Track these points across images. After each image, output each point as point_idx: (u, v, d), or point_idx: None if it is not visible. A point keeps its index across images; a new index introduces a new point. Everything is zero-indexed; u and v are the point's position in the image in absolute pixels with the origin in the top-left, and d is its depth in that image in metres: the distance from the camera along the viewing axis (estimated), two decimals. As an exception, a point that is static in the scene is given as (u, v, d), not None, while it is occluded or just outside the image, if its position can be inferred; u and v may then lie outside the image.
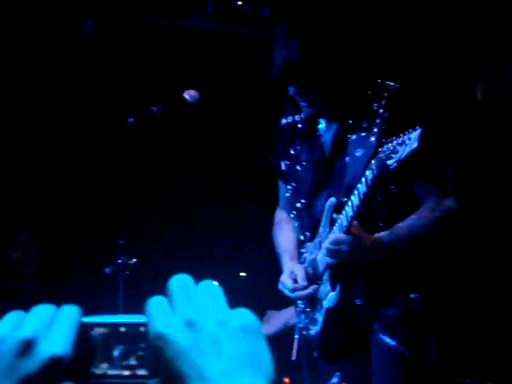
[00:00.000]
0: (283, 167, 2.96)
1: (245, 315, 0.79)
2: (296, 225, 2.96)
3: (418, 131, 2.37)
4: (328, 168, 2.78)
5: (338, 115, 2.76)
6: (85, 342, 0.81)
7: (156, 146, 3.19)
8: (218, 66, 5.03)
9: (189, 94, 3.08)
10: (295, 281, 2.80)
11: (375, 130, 2.57)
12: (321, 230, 2.78)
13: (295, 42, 2.63)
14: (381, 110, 2.58)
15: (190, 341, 0.76)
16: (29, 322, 0.79)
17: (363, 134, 2.63)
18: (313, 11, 2.67)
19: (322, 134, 2.83)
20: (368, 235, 2.61)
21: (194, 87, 3.14)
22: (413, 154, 2.37)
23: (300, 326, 2.92)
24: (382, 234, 2.62)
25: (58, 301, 0.87)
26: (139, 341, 0.81)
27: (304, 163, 2.86)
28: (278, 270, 2.97)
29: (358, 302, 2.72)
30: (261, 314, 4.86)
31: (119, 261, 3.26)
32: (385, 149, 2.44)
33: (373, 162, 2.47)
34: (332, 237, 2.63)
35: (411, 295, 2.69)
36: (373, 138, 2.57)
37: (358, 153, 2.62)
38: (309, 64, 2.63)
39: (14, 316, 0.80)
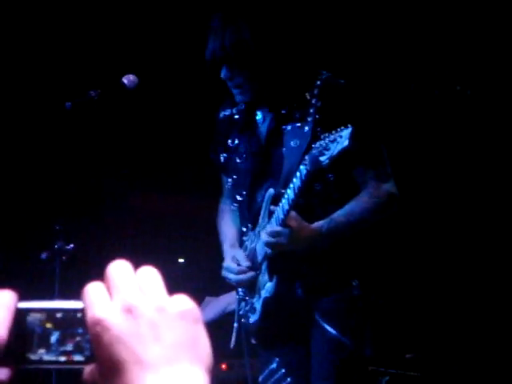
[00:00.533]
0: (222, 160, 2.97)
1: (183, 302, 0.80)
2: (238, 216, 2.98)
3: (349, 130, 2.41)
4: (266, 159, 2.80)
5: (272, 105, 2.78)
6: (21, 328, 0.80)
7: (94, 132, 3.15)
8: (157, 49, 4.99)
9: (127, 79, 3.05)
10: (238, 265, 2.82)
11: (309, 120, 2.58)
12: (260, 220, 2.79)
13: (229, 28, 2.66)
14: (314, 100, 2.59)
15: (129, 327, 0.76)
16: None
17: (298, 125, 2.65)
18: None
19: (259, 125, 2.84)
20: (306, 225, 2.63)
21: (134, 71, 3.11)
22: (344, 151, 2.42)
23: (240, 313, 2.94)
24: (321, 222, 2.65)
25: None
26: (76, 326, 0.81)
27: (243, 155, 2.88)
28: (217, 257, 2.98)
29: (298, 292, 2.74)
30: (199, 300, 4.86)
31: (56, 246, 3.22)
32: (317, 145, 2.48)
33: (306, 157, 2.51)
34: (269, 229, 2.66)
35: (352, 282, 2.72)
36: (307, 128, 2.59)
37: (294, 143, 2.64)
38: (240, 49, 2.65)
39: None
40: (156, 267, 0.82)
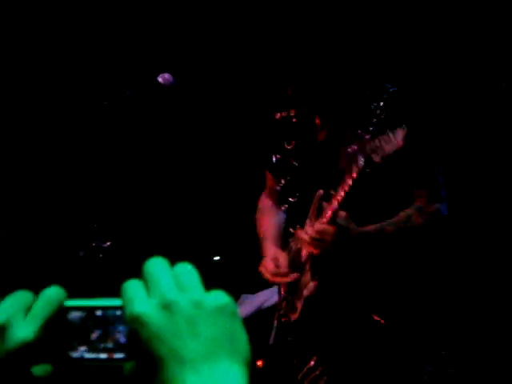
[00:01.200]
0: (274, 160, 2.98)
1: (220, 296, 0.80)
2: (283, 216, 2.99)
3: (403, 130, 2.46)
4: (322, 163, 2.82)
5: (336, 112, 2.81)
6: (62, 325, 0.81)
7: (130, 130, 3.18)
8: (193, 48, 5.01)
9: (163, 78, 3.07)
10: (277, 267, 2.84)
11: (371, 129, 2.63)
12: (308, 220, 2.80)
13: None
14: (378, 111, 2.63)
15: (166, 323, 0.76)
16: (2, 308, 0.79)
17: (359, 132, 2.66)
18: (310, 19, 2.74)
19: (318, 129, 2.86)
20: (354, 227, 2.64)
21: (170, 70, 3.12)
22: (397, 151, 2.47)
23: (280, 312, 2.95)
24: (370, 227, 2.65)
25: (33, 285, 0.87)
26: (116, 324, 0.81)
27: (299, 158, 2.90)
28: (252, 254, 2.99)
29: (341, 294, 2.75)
30: (235, 297, 4.86)
31: (94, 244, 3.25)
32: (371, 145, 2.51)
33: (359, 156, 2.53)
34: (316, 226, 2.66)
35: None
36: (367, 137, 2.62)
37: (351, 149, 2.65)
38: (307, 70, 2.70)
39: None
40: (191, 264, 0.83)
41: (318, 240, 2.65)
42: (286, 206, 2.96)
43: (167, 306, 0.77)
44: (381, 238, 2.67)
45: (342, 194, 2.59)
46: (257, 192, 3.26)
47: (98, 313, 0.82)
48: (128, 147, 4.71)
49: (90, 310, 0.83)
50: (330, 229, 2.63)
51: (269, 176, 3.11)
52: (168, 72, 3.05)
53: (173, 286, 0.79)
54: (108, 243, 3.25)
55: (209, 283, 0.83)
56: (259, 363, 4.83)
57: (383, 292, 2.76)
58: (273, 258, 2.87)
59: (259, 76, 4.26)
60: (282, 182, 2.97)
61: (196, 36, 4.95)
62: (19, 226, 4.42)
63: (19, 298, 0.81)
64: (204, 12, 4.88)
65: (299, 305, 2.83)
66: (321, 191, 2.74)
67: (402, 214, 2.72)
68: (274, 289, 3.22)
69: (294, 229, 2.90)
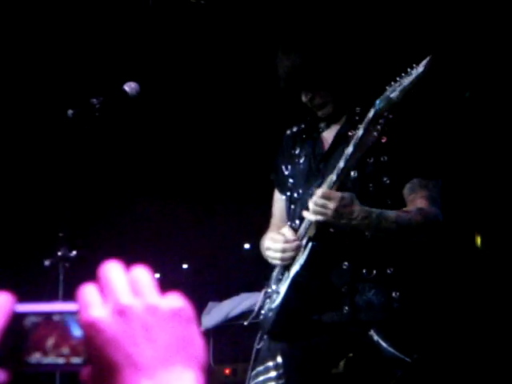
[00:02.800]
0: (285, 171, 2.97)
1: (175, 301, 0.80)
2: (289, 222, 2.91)
3: (428, 58, 2.39)
4: (326, 161, 2.79)
5: (343, 114, 2.82)
6: (17, 332, 0.81)
7: (96, 139, 3.17)
8: (158, 56, 5.01)
9: (129, 86, 3.06)
10: (284, 238, 2.75)
11: (378, 127, 2.57)
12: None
13: (296, 49, 2.71)
14: (385, 112, 2.56)
15: (122, 329, 0.76)
16: None
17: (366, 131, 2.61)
18: (312, 19, 2.75)
19: (324, 131, 2.87)
20: (358, 202, 2.56)
21: (136, 79, 3.12)
22: (417, 80, 2.39)
23: (261, 311, 2.85)
24: (372, 209, 2.60)
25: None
26: (72, 329, 0.81)
27: (304, 157, 2.89)
28: (219, 263, 2.97)
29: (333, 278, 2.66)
30: (202, 305, 4.86)
31: (59, 253, 3.23)
32: (391, 87, 2.47)
33: (376, 101, 2.50)
34: (321, 190, 2.56)
35: (392, 293, 2.66)
36: (375, 134, 2.57)
37: (352, 134, 2.63)
38: (313, 66, 2.69)
39: None
40: (159, 272, 0.83)
41: (321, 205, 2.53)
42: (289, 221, 2.88)
43: (122, 312, 0.77)
44: (381, 222, 2.59)
45: (351, 149, 2.53)
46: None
47: (56, 318, 0.82)
48: (94, 156, 4.68)
49: (48, 315, 0.82)
50: (335, 194, 2.53)
51: (276, 197, 3.07)
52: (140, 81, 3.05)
53: (127, 291, 0.79)
54: (74, 252, 3.23)
55: (177, 290, 0.83)
56: (227, 371, 4.82)
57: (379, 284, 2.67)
58: (277, 232, 2.80)
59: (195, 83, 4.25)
60: (288, 194, 2.95)
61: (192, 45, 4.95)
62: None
63: None
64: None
65: (283, 288, 2.72)
66: (319, 182, 2.70)
67: (402, 210, 2.67)
68: (242, 296, 3.20)
69: (296, 225, 2.82)
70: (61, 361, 0.81)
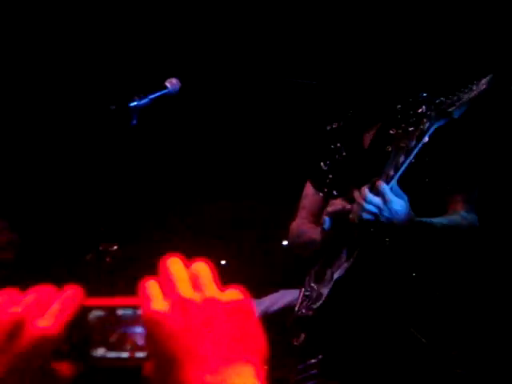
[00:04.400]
0: (324, 167, 2.93)
1: (235, 295, 0.80)
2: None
3: (489, 76, 2.33)
4: (368, 158, 2.77)
5: (381, 111, 2.80)
6: (83, 325, 0.82)
7: (138, 135, 3.19)
8: (198, 53, 5.02)
9: (170, 83, 3.07)
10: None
11: (426, 123, 2.49)
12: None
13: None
14: (429, 112, 2.51)
15: (182, 322, 0.76)
16: (22, 302, 0.79)
17: (411, 129, 2.56)
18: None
19: (365, 129, 2.84)
20: (408, 206, 2.52)
21: (177, 75, 3.13)
22: (479, 96, 2.33)
23: (300, 310, 2.82)
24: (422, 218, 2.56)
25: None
26: (136, 323, 0.81)
27: (344, 154, 2.86)
28: (256, 259, 2.96)
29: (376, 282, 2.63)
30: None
31: (100, 247, 3.25)
32: (448, 99, 2.41)
33: (432, 113, 2.43)
34: (379, 183, 2.49)
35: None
36: (423, 127, 2.49)
37: (403, 143, 2.55)
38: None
39: (5, 295, 0.80)
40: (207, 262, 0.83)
41: (372, 203, 2.47)
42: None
43: (183, 306, 0.77)
44: (427, 227, 2.56)
45: (414, 145, 2.46)
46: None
47: (119, 312, 0.82)
48: (137, 152, 4.72)
49: (111, 310, 0.83)
50: (389, 193, 2.47)
51: (309, 192, 3.03)
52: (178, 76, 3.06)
53: (188, 285, 0.79)
54: (115, 246, 3.26)
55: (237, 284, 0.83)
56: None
57: (426, 303, 2.65)
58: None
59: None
60: (326, 190, 2.92)
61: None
62: (26, 230, 4.44)
63: (39, 292, 0.81)
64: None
65: (326, 290, 2.70)
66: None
67: (450, 216, 2.63)
68: (281, 292, 3.18)
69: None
70: (125, 355, 0.81)
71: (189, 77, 3.15)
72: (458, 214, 2.66)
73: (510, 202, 4.57)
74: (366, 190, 2.51)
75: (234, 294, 0.80)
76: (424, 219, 2.57)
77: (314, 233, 2.86)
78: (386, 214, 2.48)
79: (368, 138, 2.85)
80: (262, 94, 4.97)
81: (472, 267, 3.61)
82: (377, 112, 2.84)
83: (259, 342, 0.79)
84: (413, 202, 2.60)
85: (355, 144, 2.88)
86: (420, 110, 2.61)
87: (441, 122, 2.44)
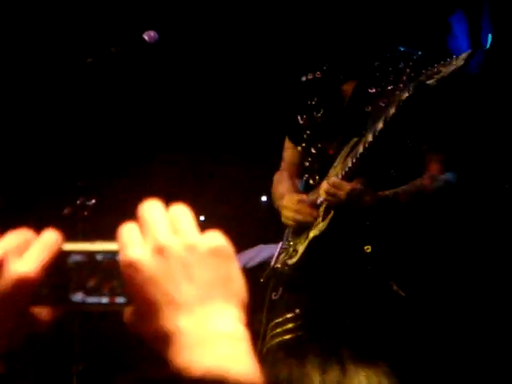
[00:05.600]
0: (300, 121, 2.91)
1: (215, 238, 0.79)
2: (302, 184, 2.91)
3: (468, 51, 2.37)
4: (347, 116, 2.76)
5: (359, 69, 2.78)
6: (62, 269, 0.80)
7: (115, 87, 3.15)
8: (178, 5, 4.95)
9: (148, 35, 3.04)
10: (302, 201, 2.76)
11: (404, 79, 2.54)
12: (331, 171, 2.74)
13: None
14: (408, 69, 2.55)
15: (161, 267, 0.76)
16: (1, 244, 0.78)
17: (389, 88, 2.58)
18: None
19: (343, 83, 2.82)
20: (369, 191, 2.58)
21: (155, 28, 3.09)
22: (455, 72, 2.36)
23: (276, 264, 2.84)
24: (385, 193, 2.61)
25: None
26: (116, 268, 0.80)
27: (322, 110, 2.85)
28: (235, 216, 2.96)
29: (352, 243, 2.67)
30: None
31: (78, 201, 3.24)
32: (428, 72, 2.41)
33: (411, 84, 2.45)
34: (331, 180, 2.60)
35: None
36: (402, 85, 2.53)
37: (382, 102, 2.58)
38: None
39: None
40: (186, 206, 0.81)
41: (331, 194, 2.58)
42: (307, 175, 2.89)
43: (161, 250, 0.77)
44: (395, 205, 2.61)
45: (381, 125, 2.50)
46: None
47: (99, 257, 0.81)
48: (112, 105, 4.67)
49: (90, 254, 0.82)
50: (345, 185, 2.57)
51: (287, 149, 3.04)
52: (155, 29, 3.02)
53: (167, 229, 0.78)
54: (93, 201, 3.24)
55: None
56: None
57: (400, 260, 2.68)
58: (296, 194, 2.80)
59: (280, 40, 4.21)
60: (304, 145, 2.92)
61: None
62: (2, 186, 4.40)
63: (17, 236, 0.80)
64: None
65: (301, 248, 2.74)
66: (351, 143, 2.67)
67: (416, 182, 2.66)
68: (259, 247, 3.19)
69: (314, 181, 2.84)
70: (104, 300, 0.81)
71: (165, 29, 3.11)
72: (429, 177, 2.67)
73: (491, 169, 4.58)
74: (328, 181, 2.60)
75: (213, 238, 0.79)
76: (388, 193, 2.59)
77: (286, 187, 2.92)
78: (344, 202, 2.57)
79: (346, 95, 2.82)
80: (238, 44, 4.92)
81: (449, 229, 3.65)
82: (354, 66, 2.81)
83: (239, 286, 0.79)
84: (392, 165, 2.63)
85: (333, 100, 2.85)
86: (399, 66, 2.60)
87: (419, 92, 2.44)
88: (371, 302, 2.64)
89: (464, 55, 2.36)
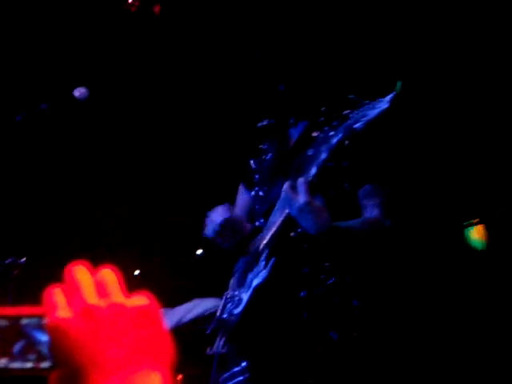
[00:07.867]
0: (253, 165, 2.96)
1: (141, 301, 0.79)
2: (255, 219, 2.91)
3: (392, 94, 2.43)
4: (290, 160, 2.80)
5: (308, 113, 2.84)
6: None
7: (46, 143, 3.13)
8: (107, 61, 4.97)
9: (78, 91, 3.04)
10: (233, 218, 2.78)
11: (338, 152, 2.55)
12: (271, 216, 2.73)
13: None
14: (346, 141, 2.55)
15: (87, 330, 0.75)
16: None
17: (331, 133, 2.62)
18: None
19: (291, 129, 2.88)
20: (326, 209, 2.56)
21: (86, 84, 3.09)
22: (380, 114, 2.42)
23: (222, 315, 2.81)
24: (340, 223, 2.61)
25: None
26: (41, 332, 0.79)
27: (270, 154, 2.90)
28: (171, 270, 2.95)
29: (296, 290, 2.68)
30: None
31: (7, 261, 3.18)
32: (354, 115, 2.46)
33: (340, 127, 2.49)
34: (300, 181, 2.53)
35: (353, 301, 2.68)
36: (340, 135, 2.54)
37: (323, 148, 2.58)
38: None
39: None
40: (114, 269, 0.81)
41: (290, 197, 2.51)
42: (256, 219, 2.89)
43: (87, 313, 0.76)
44: (347, 236, 2.62)
45: (315, 170, 2.50)
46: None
47: (23, 321, 0.80)
48: (44, 161, 4.62)
49: (15, 319, 0.80)
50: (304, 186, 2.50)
51: (241, 190, 3.04)
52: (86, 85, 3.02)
53: (93, 292, 0.78)
54: (23, 260, 3.19)
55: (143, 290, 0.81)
56: (178, 378, 4.79)
57: (343, 306, 2.67)
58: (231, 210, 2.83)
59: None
60: (255, 189, 2.94)
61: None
62: None
63: None
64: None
65: (245, 296, 2.72)
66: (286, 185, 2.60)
67: (366, 220, 2.69)
68: (195, 302, 3.17)
69: (259, 223, 2.84)
70: (28, 365, 0.79)
71: (99, 83, 3.11)
72: (366, 219, 2.71)
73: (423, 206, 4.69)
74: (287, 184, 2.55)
75: (139, 300, 0.79)
76: (341, 223, 2.62)
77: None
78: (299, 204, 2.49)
79: (293, 139, 2.89)
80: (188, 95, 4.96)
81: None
82: (305, 112, 2.87)
83: (166, 348, 0.78)
84: (330, 207, 2.64)
85: (280, 144, 2.91)
86: (344, 113, 2.66)
87: (347, 136, 2.48)
88: (311, 351, 2.65)
89: (388, 98, 2.44)
